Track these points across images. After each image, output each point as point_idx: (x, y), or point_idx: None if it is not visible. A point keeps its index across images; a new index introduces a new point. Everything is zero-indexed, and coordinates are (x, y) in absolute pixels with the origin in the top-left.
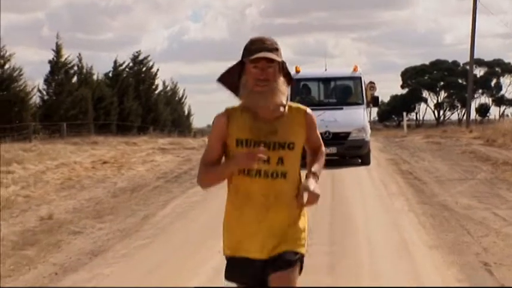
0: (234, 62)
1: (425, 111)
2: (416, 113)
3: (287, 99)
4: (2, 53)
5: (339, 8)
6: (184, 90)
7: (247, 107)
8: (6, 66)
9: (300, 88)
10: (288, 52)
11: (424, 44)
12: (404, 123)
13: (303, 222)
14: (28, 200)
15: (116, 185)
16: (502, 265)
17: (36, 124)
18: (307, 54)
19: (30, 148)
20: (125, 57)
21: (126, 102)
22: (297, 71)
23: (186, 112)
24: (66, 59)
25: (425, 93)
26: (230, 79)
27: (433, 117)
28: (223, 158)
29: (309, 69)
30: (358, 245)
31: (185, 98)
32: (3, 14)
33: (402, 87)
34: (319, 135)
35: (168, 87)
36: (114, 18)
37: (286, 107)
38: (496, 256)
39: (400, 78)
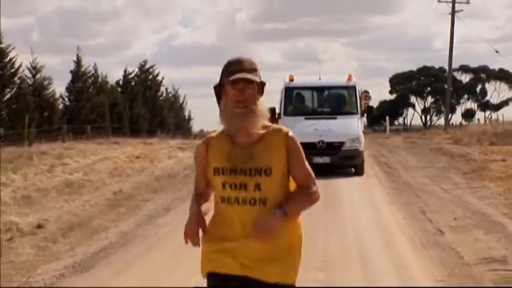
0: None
1: (413, 116)
2: (404, 118)
3: (269, 120)
4: (33, 64)
5: (328, 13)
6: (184, 96)
7: (226, 132)
8: (37, 76)
9: (294, 97)
10: (278, 57)
11: (414, 49)
12: (387, 125)
13: (292, 248)
14: (93, 183)
15: (154, 173)
16: (433, 212)
17: (67, 127)
18: (298, 59)
19: (69, 147)
20: (115, 62)
21: (135, 108)
22: (291, 80)
23: (187, 116)
24: (85, 69)
25: (412, 99)
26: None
27: (420, 122)
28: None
29: (303, 77)
30: (343, 202)
31: (185, 104)
32: None
33: (390, 92)
34: (309, 169)
35: (170, 94)
36: (104, 23)
37: (268, 129)
38: (432, 208)
39: (388, 84)
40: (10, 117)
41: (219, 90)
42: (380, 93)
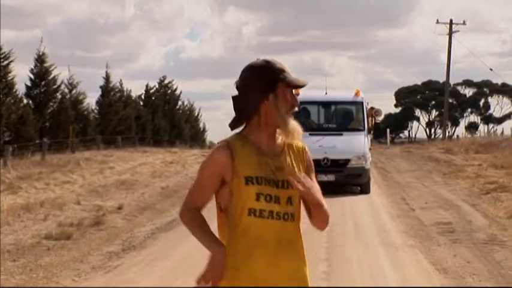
0: (232, 81)
1: (418, 129)
2: (409, 131)
3: None
4: (70, 81)
5: (335, 26)
6: (199, 109)
7: (246, 138)
8: (73, 91)
9: (299, 112)
10: None
11: (420, 63)
12: (388, 137)
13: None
14: (140, 182)
15: (188, 175)
16: (411, 199)
17: (101, 137)
18: (304, 73)
19: (107, 154)
20: (122, 75)
21: (156, 120)
22: (296, 94)
23: (202, 128)
24: (113, 85)
25: (417, 112)
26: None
27: (425, 135)
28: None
29: (309, 91)
30: (344, 192)
31: (200, 116)
32: (3, 31)
33: (396, 106)
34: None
35: (187, 107)
36: (112, 35)
37: (283, 140)
38: (411, 197)
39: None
40: (52, 128)
41: (263, 90)
42: (386, 106)
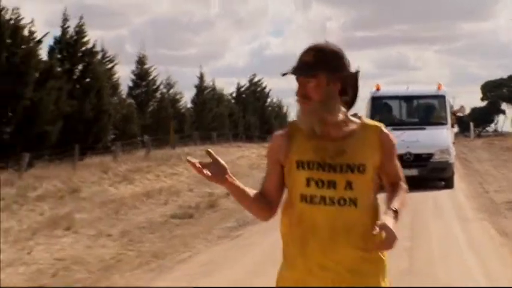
0: None
1: (504, 122)
2: (496, 124)
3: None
4: (168, 81)
5: (420, 20)
6: (288, 106)
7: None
8: (171, 91)
9: (381, 106)
10: (368, 65)
11: (507, 55)
12: (471, 131)
13: (380, 254)
14: (240, 173)
15: None
16: (487, 183)
17: (198, 133)
18: (388, 67)
19: (205, 149)
20: (207, 72)
21: (247, 117)
22: (378, 89)
23: None
24: (207, 83)
25: (503, 106)
26: None
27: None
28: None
29: (392, 86)
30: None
31: (289, 113)
32: (90, 31)
33: (482, 99)
34: (399, 167)
35: (276, 103)
36: (197, 34)
37: (359, 124)
38: (487, 182)
39: (480, 91)
40: (152, 125)
41: None
42: (473, 100)
